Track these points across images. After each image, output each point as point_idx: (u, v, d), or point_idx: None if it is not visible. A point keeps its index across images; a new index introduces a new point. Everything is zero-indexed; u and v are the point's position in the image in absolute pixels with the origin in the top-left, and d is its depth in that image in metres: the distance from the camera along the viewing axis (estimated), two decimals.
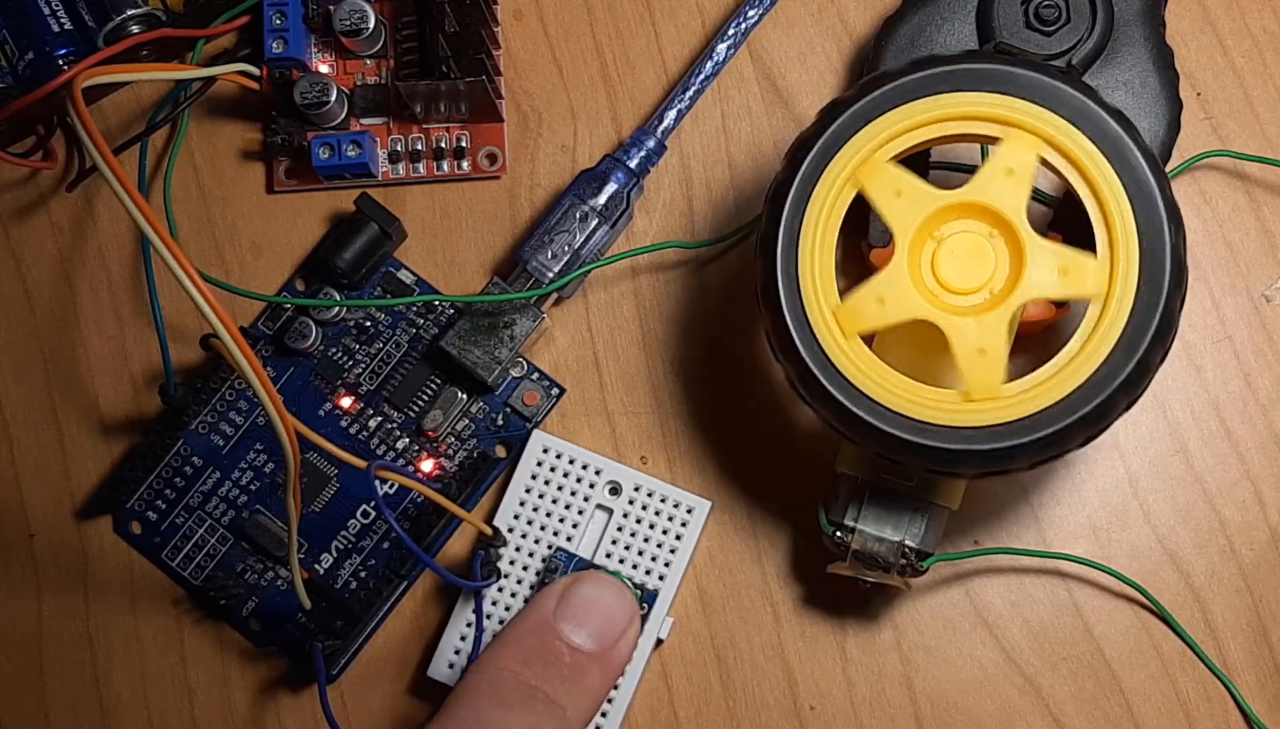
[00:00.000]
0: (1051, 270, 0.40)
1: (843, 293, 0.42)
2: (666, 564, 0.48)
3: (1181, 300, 0.40)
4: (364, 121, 0.52)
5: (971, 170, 0.48)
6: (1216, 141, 0.51)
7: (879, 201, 0.41)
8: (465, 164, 0.52)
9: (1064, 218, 0.47)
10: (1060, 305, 0.47)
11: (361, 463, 0.44)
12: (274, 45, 0.51)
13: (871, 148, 0.41)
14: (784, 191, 0.42)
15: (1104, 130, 0.40)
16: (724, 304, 0.51)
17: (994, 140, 0.41)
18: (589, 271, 0.50)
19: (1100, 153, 0.40)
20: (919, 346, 0.43)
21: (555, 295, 0.50)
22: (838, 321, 0.41)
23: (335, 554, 0.50)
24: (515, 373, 0.51)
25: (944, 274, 0.41)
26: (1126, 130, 0.40)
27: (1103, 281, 0.40)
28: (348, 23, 0.50)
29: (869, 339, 0.44)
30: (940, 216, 0.41)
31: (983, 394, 0.40)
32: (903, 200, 0.41)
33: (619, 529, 0.48)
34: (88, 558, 0.52)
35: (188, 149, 0.53)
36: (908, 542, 0.45)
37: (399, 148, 0.52)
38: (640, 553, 0.48)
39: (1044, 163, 0.41)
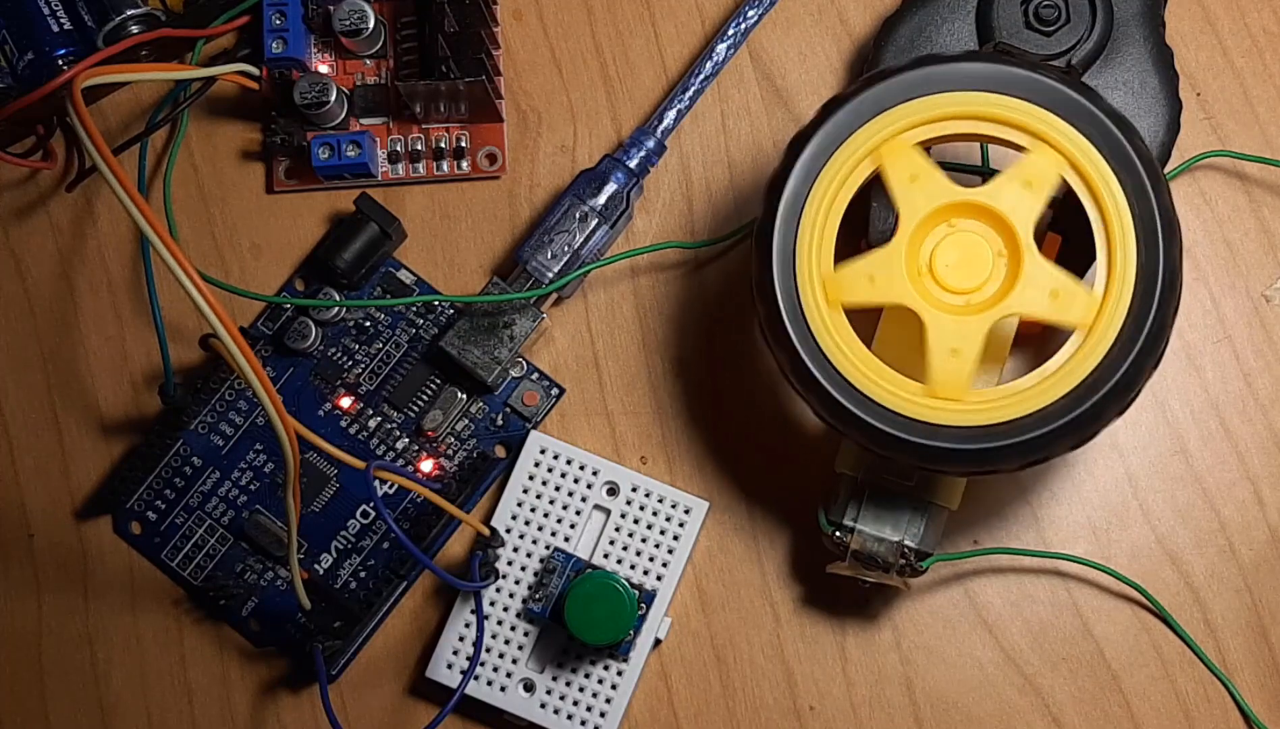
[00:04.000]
0: (1043, 291, 0.40)
1: None
2: (664, 564, 0.48)
3: (1174, 312, 0.40)
4: (364, 121, 0.52)
5: (970, 170, 0.48)
6: (1216, 141, 0.51)
7: (894, 181, 0.41)
8: (465, 164, 0.52)
9: (1064, 218, 0.47)
10: None
11: (360, 463, 0.44)
12: (274, 45, 0.51)
13: (899, 128, 0.41)
14: (803, 144, 0.41)
15: (1124, 157, 0.40)
16: (723, 304, 0.51)
17: (1020, 150, 0.41)
18: (589, 272, 0.50)
19: (1116, 179, 0.40)
20: (919, 347, 0.43)
21: (555, 295, 0.50)
22: (824, 288, 0.41)
23: (335, 554, 0.50)
24: (515, 373, 0.51)
25: (939, 269, 0.41)
26: (1146, 166, 0.40)
27: (1090, 314, 0.40)
28: (347, 23, 0.50)
29: (868, 338, 0.44)
30: (949, 211, 0.41)
31: (945, 393, 0.40)
32: (917, 185, 0.41)
33: (616, 529, 0.48)
34: (87, 558, 0.52)
35: (187, 149, 0.53)
36: (907, 542, 0.45)
37: (399, 148, 0.52)
38: (638, 553, 0.48)
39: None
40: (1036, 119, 0.41)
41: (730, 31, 0.50)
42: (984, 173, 0.48)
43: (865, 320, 0.45)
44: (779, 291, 0.41)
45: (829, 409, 0.41)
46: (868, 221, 0.48)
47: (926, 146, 0.42)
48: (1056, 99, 0.41)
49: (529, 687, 0.48)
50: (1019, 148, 0.41)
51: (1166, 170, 0.48)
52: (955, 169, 0.49)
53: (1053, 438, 0.40)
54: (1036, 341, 0.49)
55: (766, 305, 0.42)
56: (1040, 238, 0.41)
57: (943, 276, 0.41)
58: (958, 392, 0.40)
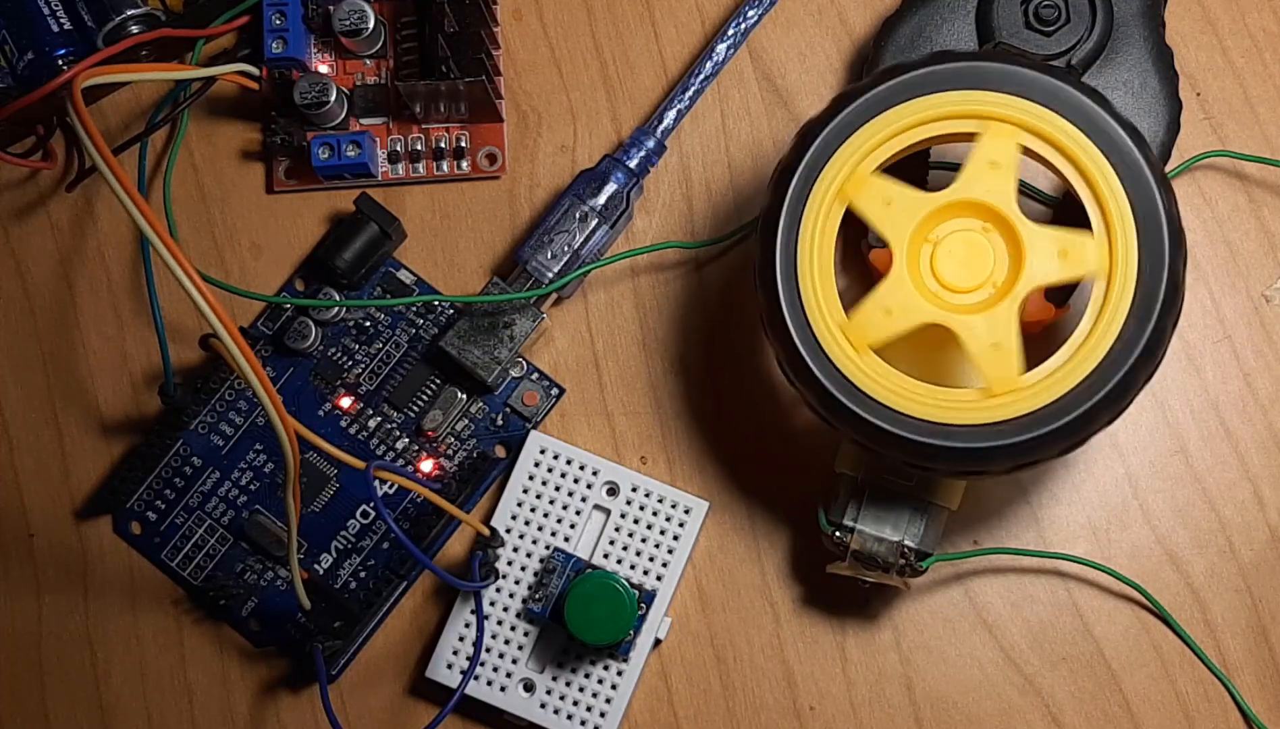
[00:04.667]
0: (1051, 255, 0.40)
1: (842, 293, 0.42)
2: (664, 564, 0.48)
3: (1184, 268, 0.40)
4: (364, 121, 0.52)
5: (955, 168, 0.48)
6: (1216, 141, 0.51)
7: (870, 214, 0.41)
8: (465, 164, 0.52)
9: (1064, 217, 0.47)
10: (1060, 305, 0.47)
11: (360, 463, 0.44)
12: (274, 45, 0.51)
13: (854, 163, 0.41)
14: (773, 220, 0.42)
15: (1075, 104, 0.40)
16: (723, 304, 0.51)
17: (972, 136, 0.41)
18: (589, 272, 0.50)
19: (1077, 128, 0.40)
20: (921, 347, 0.43)
21: (555, 295, 0.50)
22: (847, 338, 0.41)
23: (335, 554, 0.50)
24: (515, 373, 0.51)
25: (945, 275, 0.41)
26: (1099, 102, 0.40)
27: (1104, 257, 0.40)
28: (347, 23, 0.50)
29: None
30: (933, 219, 0.41)
31: (1003, 388, 0.40)
32: (893, 208, 0.41)
33: (616, 529, 0.48)
34: (87, 558, 0.52)
35: (187, 149, 0.53)
36: (907, 542, 0.45)
37: (399, 148, 0.52)
38: (638, 553, 0.48)
39: (1028, 153, 0.41)
40: (1055, 126, 0.40)
41: (730, 31, 0.50)
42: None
43: None
44: (781, 287, 0.41)
45: (865, 433, 0.41)
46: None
47: (908, 154, 0.42)
48: (1059, 98, 0.41)
49: (529, 687, 0.48)
50: (1031, 154, 0.41)
51: (1166, 170, 0.48)
52: (956, 168, 0.49)
53: (1094, 412, 0.40)
54: (1036, 341, 0.49)
55: (768, 297, 0.42)
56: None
57: (952, 281, 0.41)
58: (1013, 382, 0.40)
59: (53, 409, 0.52)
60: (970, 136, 0.41)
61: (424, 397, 0.51)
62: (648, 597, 0.48)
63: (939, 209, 0.41)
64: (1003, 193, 0.41)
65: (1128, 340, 0.40)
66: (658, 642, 0.48)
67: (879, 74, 0.42)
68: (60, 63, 0.50)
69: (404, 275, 0.52)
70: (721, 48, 0.50)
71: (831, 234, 0.42)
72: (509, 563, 0.49)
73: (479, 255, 0.52)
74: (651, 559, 0.48)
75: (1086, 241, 0.40)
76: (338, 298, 0.51)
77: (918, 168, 0.47)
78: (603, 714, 0.48)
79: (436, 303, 0.51)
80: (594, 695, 0.48)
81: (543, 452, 0.49)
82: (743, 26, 0.50)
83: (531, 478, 0.49)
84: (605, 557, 0.48)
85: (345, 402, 0.51)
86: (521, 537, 0.49)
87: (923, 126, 0.41)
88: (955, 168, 0.48)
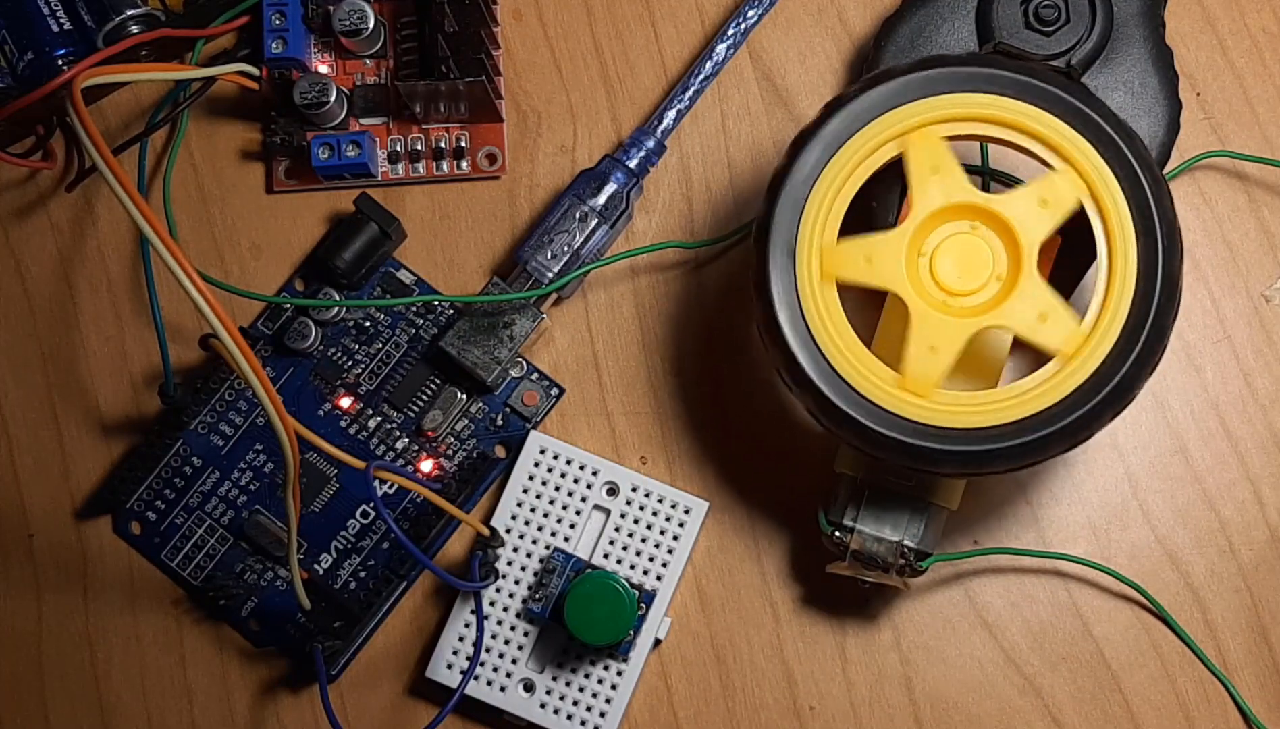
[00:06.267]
0: (1033, 311, 0.41)
1: (843, 292, 0.42)
2: (664, 565, 0.48)
3: (1181, 265, 0.40)
4: (363, 121, 0.52)
5: (974, 171, 0.48)
6: (1216, 142, 0.51)
7: (915, 169, 0.41)
8: (465, 164, 0.52)
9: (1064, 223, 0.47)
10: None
11: (360, 463, 0.44)
12: (273, 45, 0.51)
13: (930, 119, 0.41)
14: (806, 141, 0.41)
15: (1068, 106, 0.41)
16: (723, 304, 0.51)
17: (1046, 165, 0.41)
18: (588, 272, 0.50)
19: (1073, 130, 0.41)
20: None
21: (555, 295, 0.50)
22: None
23: (335, 554, 0.50)
24: (515, 373, 0.51)
25: (938, 265, 0.41)
26: (1093, 103, 0.41)
27: (1073, 345, 0.40)
28: (347, 23, 0.50)
29: (868, 340, 0.44)
30: (962, 211, 0.41)
31: (914, 387, 0.41)
32: (937, 178, 0.41)
33: (616, 530, 0.48)
34: (87, 558, 0.52)
35: (187, 149, 0.53)
36: (906, 542, 0.45)
37: (398, 148, 0.52)
38: (638, 553, 0.48)
39: (1029, 153, 0.41)
40: (1059, 134, 0.41)
41: (730, 31, 0.50)
42: (984, 173, 0.48)
43: (867, 323, 0.45)
44: (776, 290, 0.41)
45: (824, 410, 0.41)
46: (870, 220, 0.48)
47: (980, 142, 0.42)
48: (1061, 106, 0.41)
49: (529, 687, 0.48)
50: (1037, 158, 0.41)
51: (1166, 170, 0.48)
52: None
53: (1047, 442, 0.40)
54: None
55: (764, 303, 0.42)
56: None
57: (940, 273, 0.41)
58: (926, 389, 0.40)
59: (53, 409, 0.52)
60: (1034, 157, 0.41)
61: (424, 397, 0.51)
62: (648, 597, 0.48)
63: (973, 207, 0.41)
64: (1036, 231, 0.41)
65: (1128, 340, 0.40)
66: (658, 642, 0.48)
67: (868, 79, 0.42)
68: (60, 63, 0.50)
69: (404, 275, 0.52)
70: (721, 48, 0.50)
71: (833, 233, 0.42)
72: (509, 563, 0.49)
73: (479, 255, 0.52)
74: (651, 559, 0.48)
75: (1055, 178, 0.40)
76: (338, 298, 0.51)
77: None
78: (603, 714, 0.48)
79: (436, 303, 0.51)
80: (594, 695, 0.48)
81: (543, 452, 0.49)
82: (743, 26, 0.50)
83: (531, 478, 0.49)
84: (605, 557, 0.48)
85: (345, 402, 0.51)
86: (521, 537, 0.49)
87: (1002, 127, 0.41)
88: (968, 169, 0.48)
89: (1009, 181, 0.48)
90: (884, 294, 0.44)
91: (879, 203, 0.47)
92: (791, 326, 0.41)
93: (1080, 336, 0.40)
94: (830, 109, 0.42)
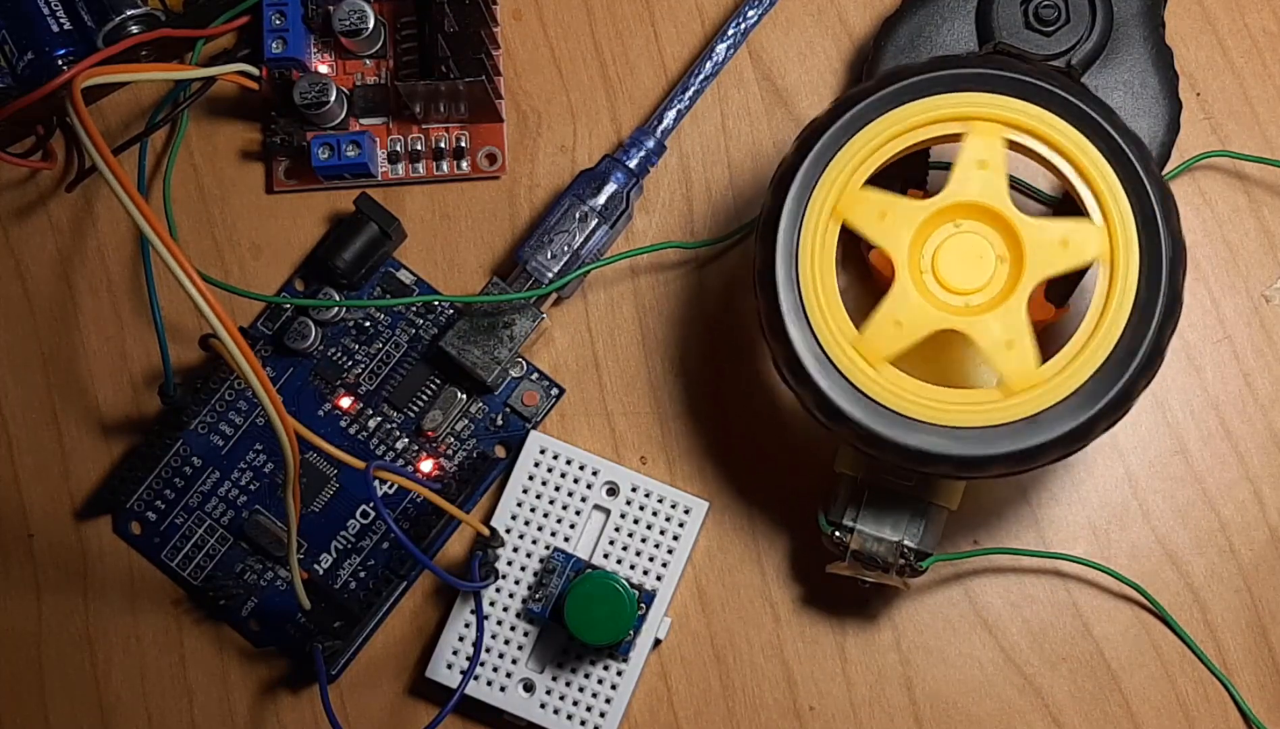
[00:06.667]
0: (1052, 246, 0.40)
1: (843, 291, 0.42)
2: (664, 565, 0.48)
3: (1183, 271, 0.40)
4: (363, 121, 0.52)
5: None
6: (1216, 142, 0.51)
7: (866, 229, 0.41)
8: (465, 164, 0.52)
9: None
10: (1060, 305, 0.47)
11: (360, 463, 0.44)
12: (273, 45, 0.51)
13: (845, 179, 0.41)
14: (772, 227, 0.42)
15: (1072, 106, 0.41)
16: (723, 304, 0.51)
17: (957, 138, 0.41)
18: (588, 272, 0.50)
19: (1075, 130, 0.40)
20: (925, 350, 0.43)
21: (555, 295, 0.50)
22: (861, 354, 0.41)
23: (335, 554, 0.50)
24: (514, 373, 0.51)
25: (949, 279, 0.41)
26: (1095, 104, 0.41)
27: (1105, 241, 0.40)
28: (347, 23, 0.50)
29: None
30: (929, 225, 0.41)
31: (1022, 383, 0.40)
32: (889, 220, 0.41)
33: (616, 529, 0.48)
34: (87, 558, 0.52)
35: (187, 149, 0.53)
36: (906, 542, 0.45)
37: (398, 148, 0.52)
38: (638, 553, 0.48)
39: (1027, 154, 0.41)
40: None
41: (730, 31, 0.50)
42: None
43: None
44: (780, 286, 0.41)
45: (823, 408, 0.41)
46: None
47: (893, 161, 0.42)
48: (1059, 103, 0.41)
49: (529, 687, 0.48)
50: (1041, 161, 0.41)
51: (1166, 170, 0.48)
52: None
53: (1117, 400, 0.40)
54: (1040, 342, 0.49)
55: (767, 299, 0.42)
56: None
57: (956, 284, 0.41)
58: (876, 357, 0.40)
59: (53, 409, 0.52)
60: (943, 140, 0.41)
61: (424, 397, 0.51)
62: (648, 597, 0.48)
63: (934, 215, 0.41)
64: (995, 191, 0.41)
65: (1130, 340, 0.40)
66: (658, 642, 0.48)
67: (882, 77, 0.42)
68: (60, 63, 0.50)
69: (404, 275, 0.52)
70: (721, 48, 0.50)
71: (833, 236, 0.42)
72: (509, 563, 0.49)
73: (479, 255, 0.52)
74: (651, 559, 0.48)
75: (1088, 228, 0.40)
76: (337, 298, 0.51)
77: (918, 168, 0.47)
78: (603, 714, 0.48)
79: (436, 303, 0.51)
80: (594, 695, 0.48)
81: (543, 452, 0.49)
82: (743, 26, 0.50)
83: (531, 478, 0.49)
84: (605, 557, 0.48)
85: (345, 402, 0.51)
86: (521, 537, 0.49)
87: (920, 129, 0.41)
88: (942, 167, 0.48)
89: (1028, 192, 0.48)
90: (884, 291, 0.44)
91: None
92: (796, 325, 0.41)
93: (1029, 380, 0.40)
94: (839, 105, 0.42)
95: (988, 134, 0.41)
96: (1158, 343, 0.40)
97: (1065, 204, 0.48)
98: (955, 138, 0.41)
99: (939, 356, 0.44)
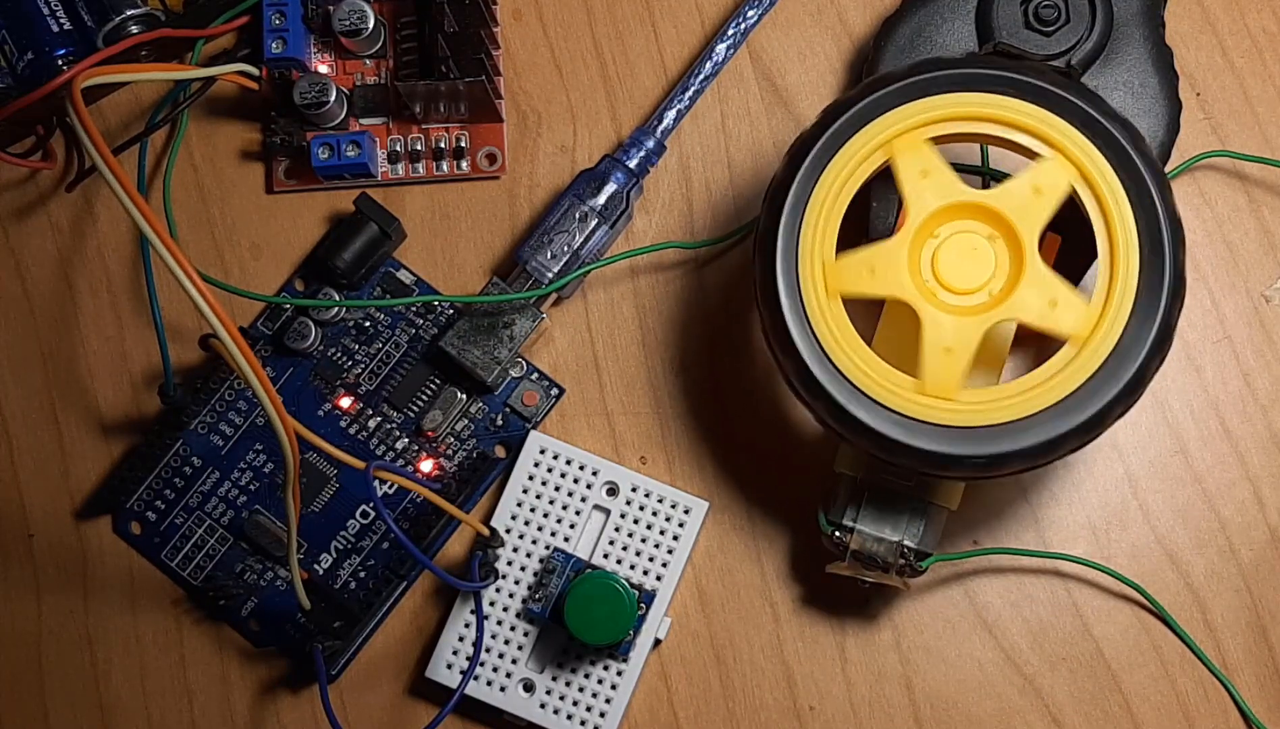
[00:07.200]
0: (1042, 298, 0.40)
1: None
2: (664, 564, 0.48)
3: (1183, 263, 0.40)
4: (363, 122, 0.52)
5: (970, 171, 0.48)
6: (1216, 142, 0.51)
7: (904, 175, 0.41)
8: (465, 164, 0.52)
9: (1064, 216, 0.47)
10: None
11: (360, 464, 0.44)
12: (273, 45, 0.51)
13: (912, 123, 0.41)
14: (805, 150, 0.41)
15: (1070, 105, 0.41)
16: (723, 304, 0.51)
17: (1034, 156, 0.41)
18: (588, 272, 0.50)
19: (1119, 183, 0.40)
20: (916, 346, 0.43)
21: (555, 295, 0.50)
22: (824, 275, 0.41)
23: (335, 554, 0.50)
24: (514, 373, 0.51)
25: (941, 267, 0.41)
26: (1094, 102, 0.41)
27: (1085, 327, 0.40)
28: (347, 23, 0.50)
29: (869, 337, 0.44)
30: (957, 210, 0.41)
31: (935, 391, 0.40)
32: (928, 181, 0.41)
33: (616, 529, 0.48)
34: (87, 558, 0.52)
35: (187, 149, 0.53)
36: (906, 542, 0.45)
37: (398, 148, 0.52)
38: (638, 553, 0.48)
39: (1028, 154, 0.41)
40: (1049, 126, 0.41)
41: (730, 31, 0.50)
42: (985, 173, 0.48)
43: (869, 323, 0.45)
44: (783, 295, 0.41)
45: (836, 417, 0.41)
46: (868, 223, 0.48)
47: (964, 142, 0.42)
48: (1062, 104, 0.41)
49: (529, 687, 0.48)
50: (1029, 153, 0.41)
51: (1166, 170, 0.48)
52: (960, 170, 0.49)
53: (1010, 457, 0.40)
54: (1036, 341, 0.49)
55: (770, 311, 0.41)
56: (1040, 237, 0.41)
57: (944, 275, 0.41)
58: (948, 391, 0.40)
59: (53, 409, 0.52)
60: (1020, 150, 0.41)
61: (424, 397, 0.51)
62: (648, 597, 0.48)
63: (968, 204, 0.41)
64: (1033, 220, 0.41)
65: (1130, 340, 0.40)
66: (657, 642, 0.48)
67: (864, 85, 0.42)
68: (60, 63, 0.50)
69: (404, 275, 0.52)
70: (721, 48, 0.50)
71: (832, 239, 0.42)
72: (509, 563, 0.49)
73: (479, 255, 0.52)
74: (651, 559, 0.48)
75: (1078, 304, 0.40)
76: (337, 298, 0.51)
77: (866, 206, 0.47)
78: (603, 714, 0.48)
79: (436, 303, 0.51)
80: (594, 695, 0.48)
81: (542, 452, 0.49)
82: (742, 27, 0.50)
83: (531, 478, 0.49)
84: (605, 557, 0.48)
85: (345, 402, 0.51)
86: (521, 537, 0.49)
87: (985, 123, 0.41)
88: (966, 169, 0.48)
89: (977, 171, 0.48)
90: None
91: (879, 203, 0.47)
92: (803, 338, 0.41)
93: (1092, 318, 0.40)
94: (824, 117, 0.42)
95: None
96: (1167, 322, 0.40)
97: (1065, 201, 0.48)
98: (961, 138, 0.41)
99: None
